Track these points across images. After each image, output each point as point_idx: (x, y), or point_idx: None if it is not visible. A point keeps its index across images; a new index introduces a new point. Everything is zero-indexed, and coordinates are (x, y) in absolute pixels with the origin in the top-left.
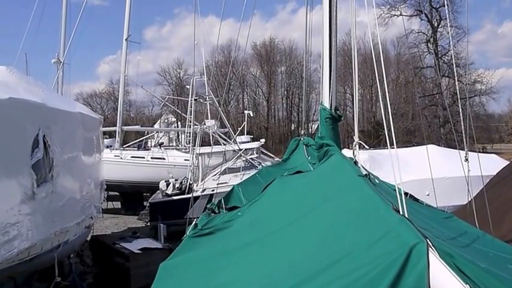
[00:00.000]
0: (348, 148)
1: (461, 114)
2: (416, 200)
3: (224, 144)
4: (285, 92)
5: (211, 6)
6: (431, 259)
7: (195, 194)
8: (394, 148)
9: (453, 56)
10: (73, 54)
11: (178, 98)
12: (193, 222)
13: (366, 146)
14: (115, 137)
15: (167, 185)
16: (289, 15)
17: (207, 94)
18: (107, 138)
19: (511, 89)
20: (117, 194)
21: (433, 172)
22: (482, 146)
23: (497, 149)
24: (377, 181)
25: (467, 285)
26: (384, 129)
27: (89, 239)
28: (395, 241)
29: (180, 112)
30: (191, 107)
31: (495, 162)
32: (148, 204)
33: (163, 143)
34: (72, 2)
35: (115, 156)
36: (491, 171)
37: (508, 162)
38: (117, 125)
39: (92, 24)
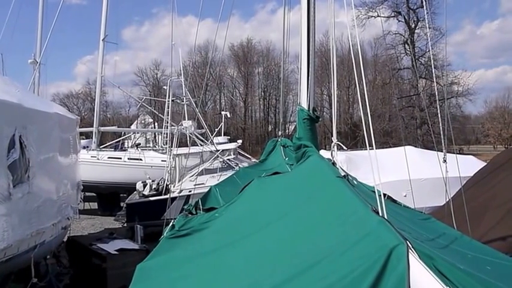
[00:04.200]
0: (326, 149)
1: (439, 115)
2: (394, 201)
3: (201, 145)
4: (262, 93)
5: (190, 6)
6: (411, 261)
7: (172, 195)
8: (373, 149)
9: (431, 58)
10: (50, 54)
11: (155, 98)
12: (171, 223)
13: (344, 147)
14: (92, 138)
15: (144, 186)
16: (268, 15)
17: (184, 95)
18: (83, 138)
19: (487, 90)
20: (94, 194)
21: (410, 173)
22: (459, 147)
23: (473, 150)
24: (355, 182)
25: (448, 287)
26: (361, 130)
27: (65, 239)
28: (375, 243)
29: (157, 113)
30: (168, 108)
31: (472, 163)
32: (125, 205)
33: (140, 144)
34: (49, 2)
35: (92, 157)
36: (468, 173)
37: (485, 164)
38: (94, 126)
39: (69, 24)
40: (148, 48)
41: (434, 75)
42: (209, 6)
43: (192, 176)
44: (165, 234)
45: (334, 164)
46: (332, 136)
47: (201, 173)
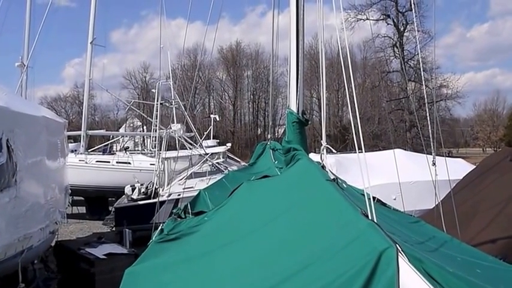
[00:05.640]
0: (315, 152)
1: (428, 118)
2: (384, 204)
3: (190, 148)
4: (251, 96)
5: (180, 9)
6: (401, 264)
7: (160, 199)
8: (362, 152)
9: (420, 61)
10: (37, 57)
11: (144, 102)
12: (159, 228)
13: (334, 150)
14: (80, 142)
15: (132, 190)
16: (258, 17)
17: (173, 98)
18: (71, 142)
19: (476, 93)
20: (82, 198)
21: (400, 176)
22: (448, 150)
23: (462, 153)
24: (345, 185)
25: None
26: (350, 133)
27: (53, 244)
28: (364, 246)
29: (146, 116)
30: (157, 111)
31: (461, 166)
32: (113, 209)
33: (128, 147)
34: (37, 3)
35: (80, 160)
36: (457, 176)
37: (474, 167)
38: (82, 129)
39: (57, 26)
40: (136, 51)
41: (423, 78)
42: (198, 8)
43: (181, 179)
44: (153, 238)
45: (323, 167)
46: (321, 139)
47: (190, 177)
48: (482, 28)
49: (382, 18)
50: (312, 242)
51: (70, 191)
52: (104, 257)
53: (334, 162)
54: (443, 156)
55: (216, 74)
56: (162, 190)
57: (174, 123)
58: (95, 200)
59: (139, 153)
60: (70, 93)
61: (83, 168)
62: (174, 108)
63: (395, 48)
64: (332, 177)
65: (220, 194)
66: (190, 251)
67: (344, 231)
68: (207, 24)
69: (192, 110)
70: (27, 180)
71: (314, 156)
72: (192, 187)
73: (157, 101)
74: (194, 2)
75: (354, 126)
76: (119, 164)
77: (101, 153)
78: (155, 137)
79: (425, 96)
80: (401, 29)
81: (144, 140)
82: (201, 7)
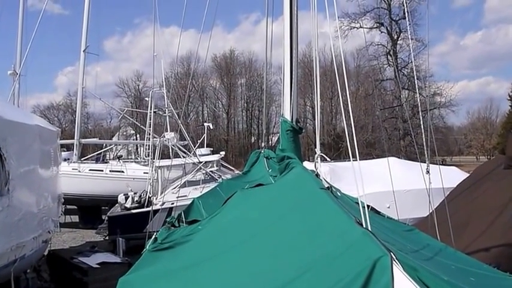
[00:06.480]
0: (309, 161)
1: (422, 126)
2: (378, 212)
3: (184, 157)
4: (245, 105)
5: (174, 17)
6: (396, 273)
7: (154, 208)
8: (356, 160)
9: (414, 69)
10: (30, 65)
11: (137, 110)
12: (153, 236)
13: (328, 159)
14: (73, 150)
15: (126, 199)
16: (252, 25)
17: (166, 106)
18: (64, 151)
19: (470, 101)
20: (75, 207)
21: (394, 184)
22: (442, 158)
23: (456, 161)
24: (339, 194)
25: None
26: (344, 141)
27: (46, 253)
28: (358, 255)
29: (139, 124)
30: (150, 120)
31: (455, 174)
32: (106, 218)
33: (122, 156)
34: (30, 11)
35: (73, 169)
36: (451, 184)
37: (468, 175)
38: (75, 138)
39: (50, 34)
40: (130, 59)
41: (417, 86)
42: (192, 16)
43: (175, 188)
44: (147, 247)
45: (317, 175)
46: (315, 147)
47: (183, 185)
48: (476, 36)
49: (375, 26)
50: (306, 250)
51: (63, 199)
52: (97, 266)
53: (328, 171)
54: (437, 164)
55: (210, 82)
56: (156, 199)
57: (167, 131)
58: (88, 209)
59: (132, 161)
60: (63, 102)
61: (76, 176)
62: (167, 117)
63: (388, 57)
64: (326, 185)
65: (214, 202)
66: (185, 260)
67: (338, 240)
68: (201, 32)
69: (186, 118)
70: (20, 189)
71: (308, 165)
72: (185, 196)
73: (151, 109)
74: (188, 10)
75: (348, 134)
76: (112, 173)
77: (94, 161)
78: (148, 145)
79: (419, 104)
80: (395, 37)
81: (137, 149)
82: (195, 15)
